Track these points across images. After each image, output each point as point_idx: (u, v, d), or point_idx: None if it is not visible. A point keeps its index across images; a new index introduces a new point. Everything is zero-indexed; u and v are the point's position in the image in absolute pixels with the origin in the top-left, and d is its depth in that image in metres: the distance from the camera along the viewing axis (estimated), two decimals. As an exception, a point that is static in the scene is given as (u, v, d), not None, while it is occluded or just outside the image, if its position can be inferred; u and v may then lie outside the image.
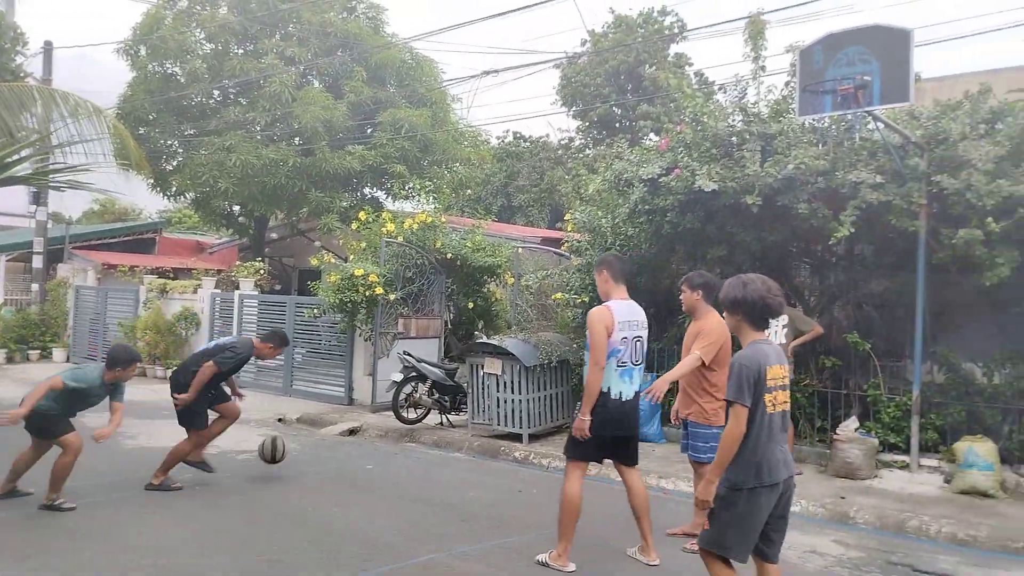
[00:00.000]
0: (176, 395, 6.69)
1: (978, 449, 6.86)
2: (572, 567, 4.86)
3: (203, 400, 6.77)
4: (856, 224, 7.25)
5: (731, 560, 3.58)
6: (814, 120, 7.78)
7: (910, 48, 6.57)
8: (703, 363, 5.29)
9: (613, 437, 4.94)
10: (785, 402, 3.65)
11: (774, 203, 7.60)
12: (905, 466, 7.47)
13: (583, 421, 4.84)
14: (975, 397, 7.59)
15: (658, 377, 5.51)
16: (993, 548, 5.60)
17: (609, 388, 4.87)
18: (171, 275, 16.88)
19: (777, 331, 7.72)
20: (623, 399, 4.91)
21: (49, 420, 5.96)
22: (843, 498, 6.62)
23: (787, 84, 8.51)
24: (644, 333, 5.05)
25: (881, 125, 7.25)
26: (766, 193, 7.49)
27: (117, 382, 6.14)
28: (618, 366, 4.89)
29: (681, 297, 5.62)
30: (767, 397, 3.52)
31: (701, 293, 5.48)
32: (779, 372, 3.60)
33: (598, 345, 4.80)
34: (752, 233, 8.11)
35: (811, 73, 6.98)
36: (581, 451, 4.92)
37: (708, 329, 5.36)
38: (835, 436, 7.57)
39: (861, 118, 7.50)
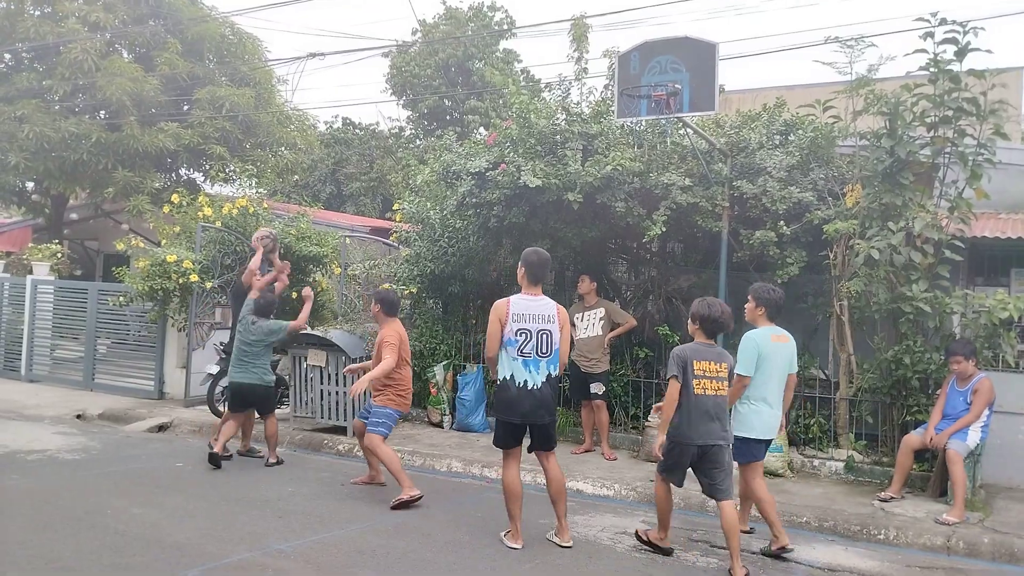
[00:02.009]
0: None
1: (769, 432, 7.50)
2: (518, 545, 5.21)
3: None
4: (667, 223, 7.72)
5: (671, 483, 5.19)
6: (631, 123, 8.19)
7: (716, 60, 7.06)
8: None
9: (523, 423, 5.26)
10: (717, 390, 5.03)
11: (594, 201, 7.93)
12: (706, 449, 8.05)
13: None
14: (767, 384, 8.30)
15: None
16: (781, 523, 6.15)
17: (513, 376, 5.21)
18: (-52, 257, 15.06)
19: (594, 323, 8.08)
20: (528, 387, 5.19)
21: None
22: (652, 481, 6.99)
23: (606, 87, 8.90)
24: (552, 327, 5.25)
25: (690, 131, 7.76)
26: (586, 191, 7.80)
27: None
28: (519, 355, 5.19)
29: (372, 312, 6.70)
30: (694, 382, 4.97)
31: (380, 307, 6.59)
32: (710, 367, 5.02)
33: (489, 334, 5.30)
34: (573, 229, 8.42)
35: (628, 78, 7.33)
36: (502, 439, 5.34)
37: (387, 336, 6.39)
38: (647, 423, 8.03)
39: (673, 123, 7.99)
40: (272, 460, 7.57)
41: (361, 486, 6.79)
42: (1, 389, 11.41)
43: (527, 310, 5.23)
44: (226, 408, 8.04)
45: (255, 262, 8.01)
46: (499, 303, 5.32)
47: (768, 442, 5.57)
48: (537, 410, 5.23)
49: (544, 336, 5.23)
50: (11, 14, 14.54)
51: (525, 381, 5.20)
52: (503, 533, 5.39)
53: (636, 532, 5.53)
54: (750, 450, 5.49)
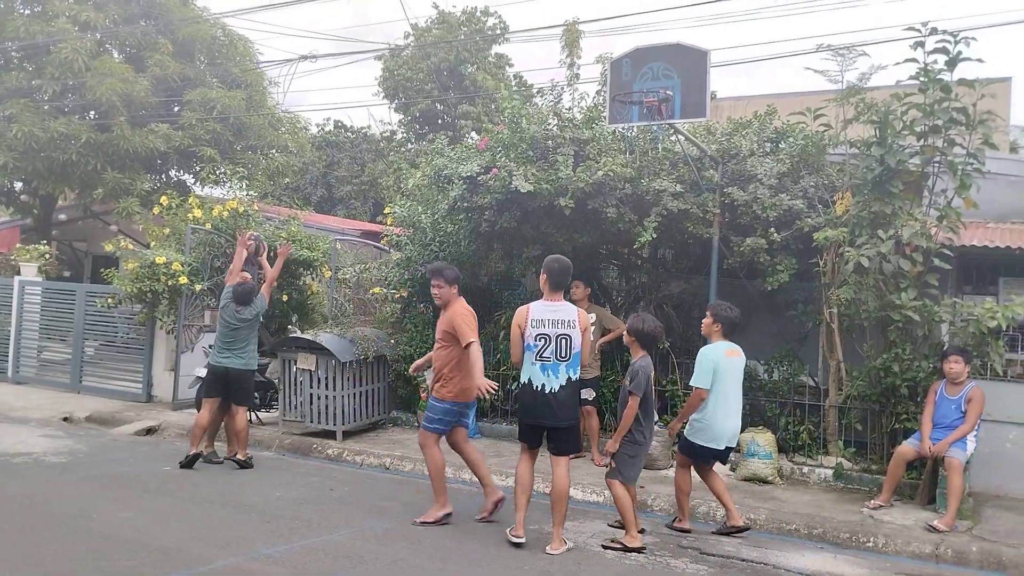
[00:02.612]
0: None
1: (759, 440, 7.50)
2: (519, 539, 5.32)
3: None
4: (658, 229, 7.73)
5: (627, 483, 5.48)
6: (623, 129, 8.19)
7: (707, 67, 7.08)
8: (459, 342, 5.71)
9: (539, 425, 5.43)
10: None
11: (585, 206, 7.92)
12: (696, 455, 8.05)
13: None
14: (757, 392, 8.30)
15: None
16: (770, 530, 6.15)
17: (530, 379, 5.40)
18: (-66, 258, 14.95)
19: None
20: (545, 391, 5.35)
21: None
22: (642, 487, 7.00)
23: (598, 92, 8.90)
24: (571, 332, 5.36)
25: (682, 138, 7.77)
26: (578, 196, 7.79)
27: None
28: (537, 359, 5.36)
29: (438, 292, 6.02)
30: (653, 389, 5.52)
31: (457, 288, 6.09)
32: (653, 375, 5.57)
33: (512, 341, 5.47)
34: (565, 234, 8.41)
35: (620, 84, 7.34)
36: (522, 435, 5.57)
37: (460, 313, 5.82)
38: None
39: (664, 130, 7.99)
40: (241, 457, 7.46)
41: (429, 516, 5.94)
42: (-13, 391, 11.33)
43: (546, 316, 5.38)
44: (200, 396, 8.01)
45: (238, 263, 7.91)
46: (519, 310, 5.49)
47: (716, 451, 5.91)
48: (552, 414, 5.36)
49: (563, 340, 5.35)
50: (0, 13, 14.45)
51: (542, 385, 5.34)
52: (507, 530, 5.48)
53: (603, 545, 5.53)
54: (695, 453, 5.95)
